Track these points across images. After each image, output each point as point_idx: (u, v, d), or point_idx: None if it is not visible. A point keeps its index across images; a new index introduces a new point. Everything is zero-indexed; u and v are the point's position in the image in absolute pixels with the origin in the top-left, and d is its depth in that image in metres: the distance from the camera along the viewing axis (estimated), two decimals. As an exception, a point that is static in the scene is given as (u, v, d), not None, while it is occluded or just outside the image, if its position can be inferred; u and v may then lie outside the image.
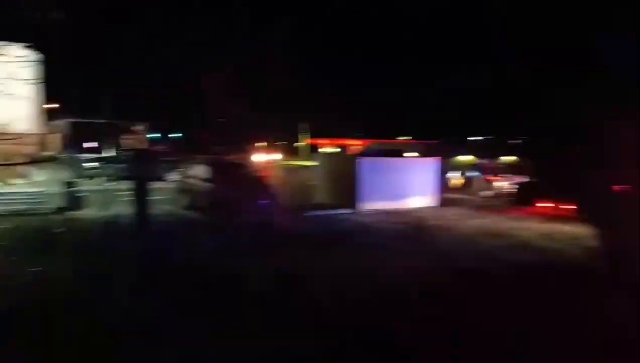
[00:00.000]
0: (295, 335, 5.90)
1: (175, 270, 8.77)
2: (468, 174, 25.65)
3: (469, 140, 44.56)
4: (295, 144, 59.39)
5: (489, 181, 23.64)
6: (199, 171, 16.45)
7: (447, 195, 20.25)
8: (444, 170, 20.19)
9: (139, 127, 12.04)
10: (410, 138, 63.06)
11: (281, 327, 6.17)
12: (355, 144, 55.66)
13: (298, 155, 54.03)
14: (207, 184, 15.25)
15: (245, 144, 18.97)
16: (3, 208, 14.45)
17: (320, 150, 41.05)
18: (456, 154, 34.93)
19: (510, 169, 26.64)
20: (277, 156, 39.09)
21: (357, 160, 17.82)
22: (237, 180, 14.59)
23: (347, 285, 7.98)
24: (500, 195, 21.64)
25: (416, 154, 34.00)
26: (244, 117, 16.01)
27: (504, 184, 22.56)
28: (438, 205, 18.77)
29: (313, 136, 58.29)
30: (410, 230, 13.28)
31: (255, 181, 16.23)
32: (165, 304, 6.90)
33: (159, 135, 43.58)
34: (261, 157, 32.60)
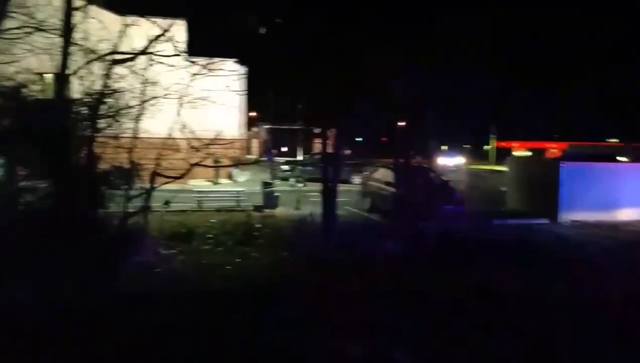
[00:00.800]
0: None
1: (359, 269, 8.84)
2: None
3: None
4: (484, 147, 56.35)
5: None
6: (382, 174, 16.45)
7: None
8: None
9: (328, 133, 12.61)
10: (618, 140, 54.91)
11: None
12: (551, 147, 50.56)
13: (486, 159, 51.19)
14: (390, 188, 15.12)
15: (431, 147, 18.42)
16: (212, 204, 16.38)
17: (512, 153, 38.20)
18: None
19: None
20: (464, 160, 37.57)
21: (559, 164, 15.90)
22: (421, 184, 14.13)
23: (554, 314, 6.98)
24: None
25: (625, 159, 29.42)
26: (431, 120, 15.53)
27: None
28: (659, 219, 15.82)
29: (502, 139, 54.59)
30: (626, 247, 11.33)
31: (440, 186, 15.57)
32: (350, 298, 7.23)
33: (344, 139, 45.53)
34: (447, 161, 31.64)
